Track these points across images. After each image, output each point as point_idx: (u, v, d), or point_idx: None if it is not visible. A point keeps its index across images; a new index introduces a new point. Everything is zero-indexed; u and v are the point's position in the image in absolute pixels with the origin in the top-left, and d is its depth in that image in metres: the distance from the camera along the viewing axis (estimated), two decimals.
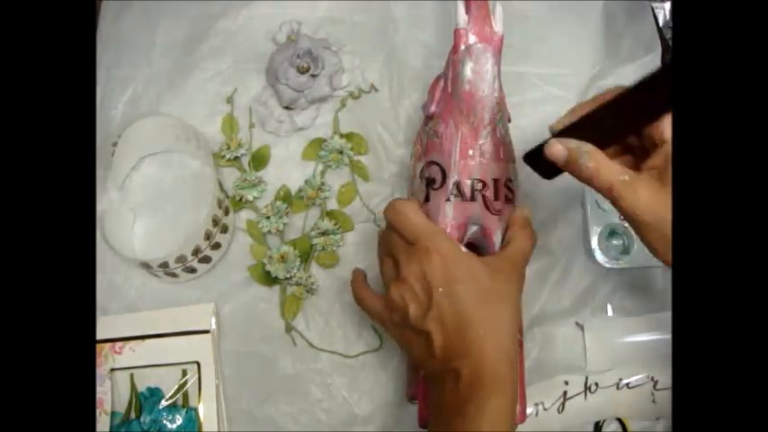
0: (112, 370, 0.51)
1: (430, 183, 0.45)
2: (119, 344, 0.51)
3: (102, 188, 0.53)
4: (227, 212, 0.53)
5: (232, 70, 0.59)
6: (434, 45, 0.59)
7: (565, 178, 0.42)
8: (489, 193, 0.44)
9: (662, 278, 0.54)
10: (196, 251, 0.51)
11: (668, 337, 0.51)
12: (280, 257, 0.53)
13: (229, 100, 0.58)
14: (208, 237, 0.51)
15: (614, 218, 0.53)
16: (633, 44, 0.58)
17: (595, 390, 0.51)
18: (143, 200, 0.56)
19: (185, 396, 0.50)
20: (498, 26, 0.44)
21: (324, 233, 0.54)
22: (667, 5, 0.61)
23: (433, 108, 0.46)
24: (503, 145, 0.45)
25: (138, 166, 0.57)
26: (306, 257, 0.54)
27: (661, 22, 0.61)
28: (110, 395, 0.50)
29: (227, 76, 0.59)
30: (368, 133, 0.57)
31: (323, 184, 0.55)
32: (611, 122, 0.39)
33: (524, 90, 0.58)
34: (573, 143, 0.39)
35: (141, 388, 0.50)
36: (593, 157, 0.38)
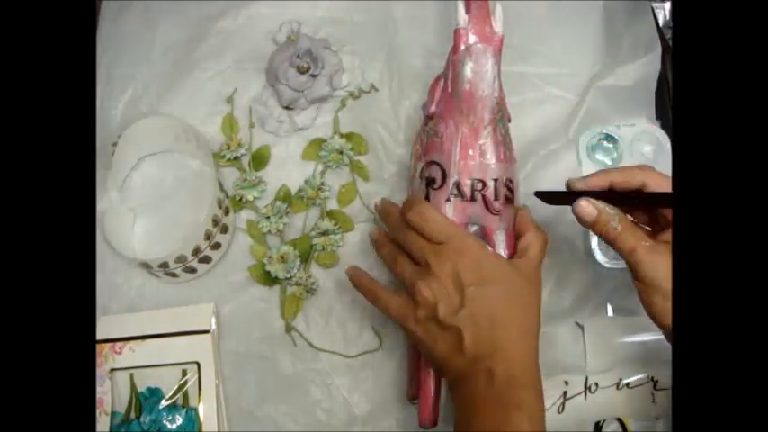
0: (112, 370, 0.51)
1: (430, 182, 0.45)
2: (119, 344, 0.51)
3: (102, 188, 0.53)
4: (227, 212, 0.53)
5: (232, 70, 0.59)
6: (434, 45, 0.59)
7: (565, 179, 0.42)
8: (489, 193, 0.44)
9: None
10: (196, 251, 0.51)
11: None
12: (280, 257, 0.53)
13: (229, 100, 0.58)
14: (208, 237, 0.51)
15: None
16: (633, 44, 0.58)
17: (595, 390, 0.51)
18: (143, 200, 0.56)
19: (185, 396, 0.50)
20: (498, 26, 0.44)
21: (324, 233, 0.54)
22: (667, 5, 0.61)
23: (433, 108, 0.46)
24: (503, 145, 0.45)
25: (138, 166, 0.57)
26: (306, 257, 0.54)
27: (661, 22, 0.61)
28: (110, 395, 0.50)
29: (227, 76, 0.59)
30: (368, 133, 0.57)
31: (323, 184, 0.55)
32: (626, 207, 0.42)
33: (524, 90, 0.58)
34: (601, 205, 0.41)
35: (141, 388, 0.50)
36: (620, 222, 0.40)
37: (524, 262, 0.42)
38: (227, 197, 0.55)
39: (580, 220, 0.41)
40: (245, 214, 0.55)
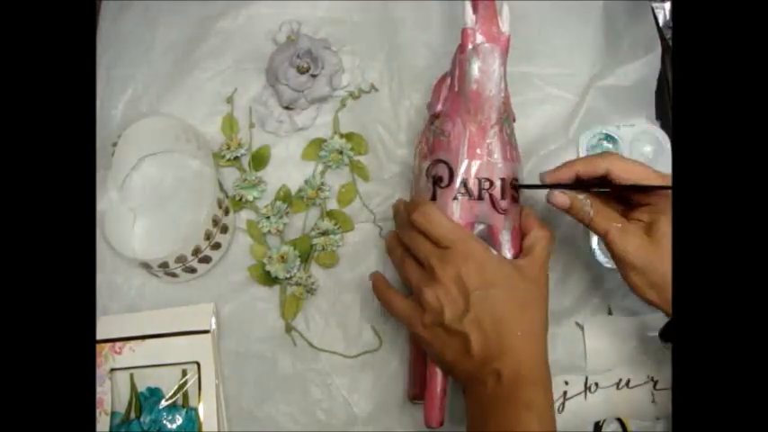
0: (112, 370, 0.51)
1: (437, 181, 0.45)
2: (119, 344, 0.51)
3: (102, 188, 0.53)
4: (227, 212, 0.53)
5: (232, 70, 0.59)
6: (435, 45, 0.59)
7: None
8: (496, 192, 0.44)
9: None
10: (196, 251, 0.51)
11: None
12: (280, 257, 0.53)
13: (229, 100, 0.58)
14: (208, 237, 0.51)
15: None
16: (633, 44, 0.58)
17: (595, 390, 0.51)
18: (143, 200, 0.56)
19: (185, 396, 0.50)
20: (505, 26, 0.44)
21: (324, 233, 0.54)
22: (667, 5, 0.61)
23: (439, 107, 0.46)
24: (509, 144, 0.45)
25: (138, 166, 0.57)
26: (306, 257, 0.54)
27: (661, 22, 0.60)
28: (110, 395, 0.50)
29: (227, 76, 0.59)
30: (368, 133, 0.57)
31: (323, 184, 0.55)
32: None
33: (525, 90, 0.58)
34: (572, 193, 0.43)
35: (141, 388, 0.50)
36: (593, 206, 0.43)
37: (529, 262, 0.43)
38: (227, 197, 0.55)
39: (555, 207, 0.44)
40: (245, 214, 0.55)
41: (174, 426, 0.49)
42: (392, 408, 0.51)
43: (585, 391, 0.51)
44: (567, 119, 0.57)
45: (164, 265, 0.50)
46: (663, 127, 0.56)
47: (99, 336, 0.51)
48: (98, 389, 0.50)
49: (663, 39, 0.59)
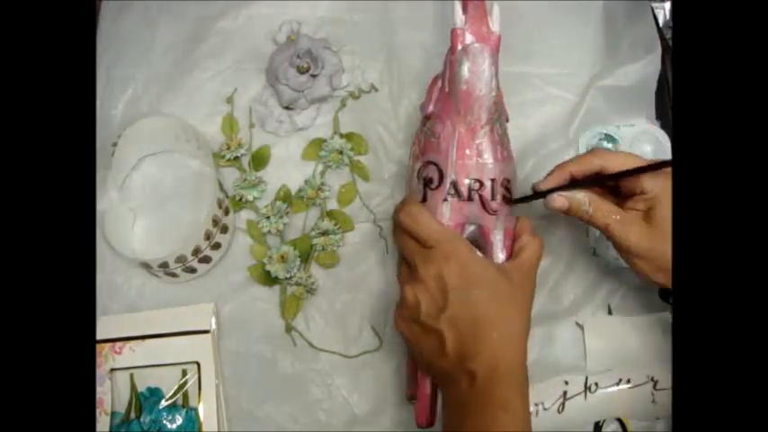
0: (112, 370, 0.51)
1: (427, 183, 0.45)
2: (119, 344, 0.51)
3: (102, 188, 0.53)
4: (227, 212, 0.53)
5: (232, 70, 0.59)
6: (435, 45, 0.59)
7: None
8: (486, 193, 0.44)
9: None
10: (196, 251, 0.51)
11: (668, 336, 0.51)
12: (280, 257, 0.53)
13: (229, 100, 0.58)
14: (208, 237, 0.51)
15: None
16: (633, 44, 0.58)
17: (595, 390, 0.51)
18: (143, 200, 0.56)
19: (185, 396, 0.50)
20: (495, 26, 0.44)
21: (324, 233, 0.54)
22: (667, 5, 0.61)
23: (430, 108, 0.46)
24: (500, 145, 0.45)
25: (138, 166, 0.57)
26: (306, 257, 0.54)
27: (661, 22, 0.61)
28: (110, 395, 0.50)
29: (227, 76, 0.59)
30: (368, 133, 0.57)
31: (323, 184, 0.55)
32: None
33: (525, 90, 0.58)
34: (569, 194, 0.44)
35: (141, 388, 0.50)
36: (591, 203, 0.43)
37: (514, 265, 0.43)
38: (227, 197, 0.55)
39: (556, 211, 0.44)
40: (245, 214, 0.55)
41: (174, 426, 0.49)
42: (392, 408, 0.51)
43: (585, 390, 0.51)
44: (566, 119, 0.57)
45: (164, 265, 0.50)
46: (663, 127, 0.56)
47: (99, 336, 0.51)
48: (98, 389, 0.50)
49: (663, 39, 0.59)
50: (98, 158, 0.51)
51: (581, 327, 0.53)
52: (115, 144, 0.53)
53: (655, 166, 0.41)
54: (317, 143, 0.56)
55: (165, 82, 0.58)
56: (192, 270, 0.52)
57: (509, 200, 0.45)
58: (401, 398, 0.51)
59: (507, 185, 0.45)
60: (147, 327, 0.51)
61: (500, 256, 0.44)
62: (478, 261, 0.42)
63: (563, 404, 0.51)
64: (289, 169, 0.56)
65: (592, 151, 0.45)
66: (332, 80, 0.57)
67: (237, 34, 0.60)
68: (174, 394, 0.50)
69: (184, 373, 0.50)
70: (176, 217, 0.55)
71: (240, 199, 0.54)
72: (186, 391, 0.50)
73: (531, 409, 0.50)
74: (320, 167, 0.56)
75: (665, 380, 0.51)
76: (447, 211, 0.44)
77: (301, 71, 0.56)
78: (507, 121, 0.47)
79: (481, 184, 0.44)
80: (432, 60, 0.58)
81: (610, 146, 0.56)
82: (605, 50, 0.59)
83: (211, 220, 0.51)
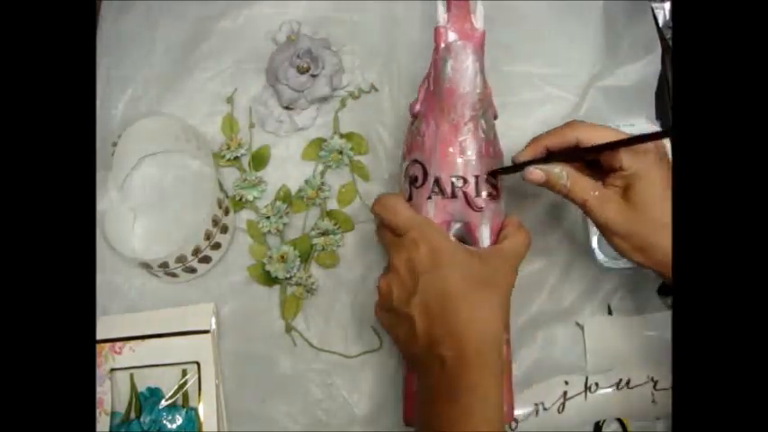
0: (112, 370, 0.51)
1: (413, 181, 0.45)
2: (119, 344, 0.51)
3: (102, 188, 0.53)
4: (227, 212, 0.53)
5: (232, 70, 0.59)
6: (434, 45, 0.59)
7: None
8: (470, 190, 0.44)
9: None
10: (196, 251, 0.51)
11: (668, 336, 0.51)
12: (280, 257, 0.53)
13: (229, 100, 0.58)
14: (208, 237, 0.51)
15: None
16: (633, 44, 0.58)
17: (595, 390, 0.51)
18: (143, 200, 0.56)
19: (185, 396, 0.50)
20: (479, 23, 0.44)
21: (324, 233, 0.54)
22: (667, 5, 0.61)
23: (417, 107, 0.46)
24: (486, 141, 0.45)
25: (138, 166, 0.57)
26: (306, 257, 0.54)
27: (661, 22, 0.60)
28: (110, 395, 0.50)
29: (227, 76, 0.59)
30: (368, 133, 0.57)
31: (323, 184, 0.55)
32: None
33: (524, 90, 0.58)
34: (547, 167, 0.43)
35: (141, 388, 0.50)
36: (570, 177, 0.42)
37: (492, 250, 0.43)
38: (227, 197, 0.55)
39: (532, 183, 0.43)
40: (245, 214, 0.55)
41: (174, 426, 0.49)
42: (392, 408, 0.51)
43: (586, 391, 0.51)
44: (566, 119, 0.56)
45: (164, 265, 0.50)
46: (663, 127, 0.56)
47: (99, 336, 0.51)
48: (98, 389, 0.50)
49: (663, 39, 0.59)
50: (98, 158, 0.51)
51: (581, 327, 0.53)
52: (115, 144, 0.53)
53: (629, 141, 0.40)
54: (317, 143, 0.56)
55: (165, 82, 0.58)
56: (192, 270, 0.52)
57: (498, 195, 0.45)
58: (401, 398, 0.51)
59: (493, 182, 0.45)
60: (147, 327, 0.52)
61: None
62: (450, 245, 0.42)
63: (563, 404, 0.51)
64: (289, 169, 0.56)
65: (568, 123, 0.44)
66: (332, 80, 0.57)
67: (237, 34, 0.60)
68: (174, 394, 0.50)
69: (184, 373, 0.50)
70: (176, 217, 0.55)
71: (240, 199, 0.54)
72: (186, 391, 0.50)
73: (531, 409, 0.50)
74: (320, 167, 0.56)
75: (665, 380, 0.51)
76: (432, 209, 0.44)
77: (301, 71, 0.56)
78: (496, 117, 0.47)
79: (465, 180, 0.44)
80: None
81: None
82: (605, 50, 0.59)
83: (211, 220, 0.51)
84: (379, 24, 0.60)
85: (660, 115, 0.58)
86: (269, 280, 0.53)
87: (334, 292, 0.54)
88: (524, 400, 0.50)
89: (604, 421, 0.51)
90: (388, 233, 0.43)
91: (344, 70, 0.58)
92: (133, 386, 0.51)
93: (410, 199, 0.45)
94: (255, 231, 0.54)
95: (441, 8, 0.44)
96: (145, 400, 0.50)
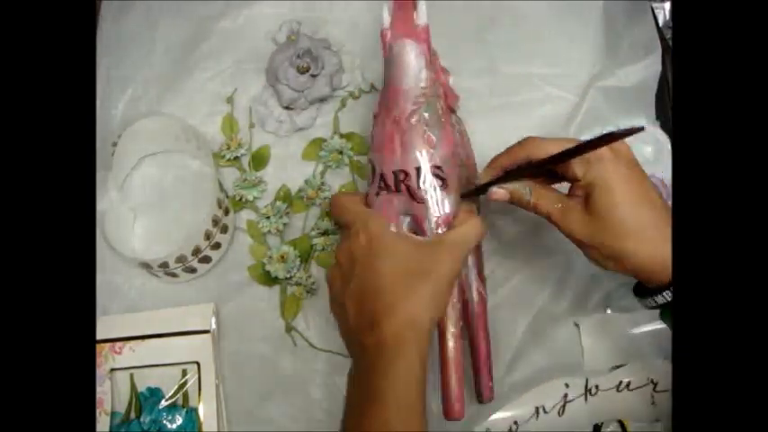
0: (112, 370, 0.51)
1: (369, 180, 0.46)
2: (119, 344, 0.51)
3: (102, 188, 0.53)
4: (227, 212, 0.53)
5: (232, 70, 0.59)
6: (433, 45, 0.59)
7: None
8: (412, 183, 0.44)
9: None
10: (196, 251, 0.51)
11: (664, 326, 0.51)
12: (280, 257, 0.53)
13: (229, 100, 0.58)
14: (208, 237, 0.51)
15: None
16: (633, 44, 0.58)
17: (596, 392, 0.51)
18: (143, 200, 0.56)
19: (185, 396, 0.50)
20: (422, 19, 0.44)
21: (324, 233, 0.54)
22: (667, 5, 0.61)
23: (375, 109, 0.47)
24: (430, 133, 0.45)
25: (138, 166, 0.57)
26: (306, 257, 0.54)
27: (661, 22, 0.60)
28: (110, 395, 0.50)
29: (227, 76, 0.59)
30: (368, 133, 0.57)
31: (323, 184, 0.55)
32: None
33: (525, 90, 0.58)
34: (510, 186, 0.43)
35: (141, 388, 0.50)
36: (533, 192, 0.43)
37: (434, 239, 0.43)
38: (227, 197, 0.55)
39: (499, 201, 0.44)
40: (245, 214, 0.55)
41: (174, 426, 0.49)
42: None
43: (586, 393, 0.51)
44: (566, 119, 0.57)
45: (164, 265, 0.50)
46: (663, 127, 0.56)
47: (99, 336, 0.51)
48: (98, 389, 0.50)
49: (663, 39, 0.59)
50: (98, 158, 0.51)
51: (579, 326, 0.53)
52: (115, 144, 0.53)
53: (571, 151, 0.39)
54: (317, 143, 0.56)
55: (165, 82, 0.58)
56: (192, 270, 0.52)
57: (446, 186, 0.44)
58: None
59: (439, 172, 0.44)
60: (147, 327, 0.52)
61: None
62: (388, 234, 0.42)
63: (563, 407, 0.50)
64: (289, 169, 0.56)
65: (521, 141, 0.44)
66: (332, 80, 0.57)
67: (237, 34, 0.60)
68: (174, 394, 0.50)
69: (184, 373, 0.50)
70: (176, 217, 0.55)
71: (240, 199, 0.54)
72: (186, 391, 0.50)
73: (532, 411, 0.50)
74: (320, 167, 0.56)
75: (665, 382, 0.51)
76: (380, 205, 0.45)
77: (301, 71, 0.56)
78: (453, 110, 0.48)
79: (406, 174, 0.44)
80: None
81: None
82: (605, 50, 0.59)
83: (211, 219, 0.51)
84: (378, 24, 0.59)
85: (660, 115, 0.57)
86: (269, 280, 0.53)
87: None
88: (525, 402, 0.50)
89: (603, 423, 0.51)
90: (341, 230, 0.44)
91: (344, 70, 0.58)
92: (133, 386, 0.51)
93: (367, 197, 0.46)
94: (255, 231, 0.54)
95: (385, 12, 0.45)
96: (145, 400, 0.50)
